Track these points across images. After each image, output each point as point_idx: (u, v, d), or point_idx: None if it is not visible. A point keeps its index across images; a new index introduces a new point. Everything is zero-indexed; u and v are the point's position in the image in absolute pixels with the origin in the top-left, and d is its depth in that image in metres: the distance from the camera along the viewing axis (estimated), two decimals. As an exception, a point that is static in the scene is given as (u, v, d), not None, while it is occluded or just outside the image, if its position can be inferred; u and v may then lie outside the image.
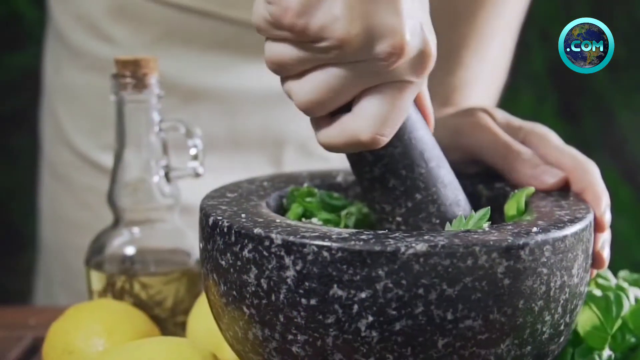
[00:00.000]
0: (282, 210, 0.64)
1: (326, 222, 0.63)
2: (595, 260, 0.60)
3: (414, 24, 0.53)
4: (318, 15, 0.51)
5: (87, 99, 0.99)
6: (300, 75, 0.54)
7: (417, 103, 0.61)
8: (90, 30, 0.98)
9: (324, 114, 0.55)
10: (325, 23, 0.51)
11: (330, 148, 0.56)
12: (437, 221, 0.61)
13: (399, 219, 0.61)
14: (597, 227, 0.60)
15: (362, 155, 0.59)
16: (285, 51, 0.53)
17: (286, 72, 0.54)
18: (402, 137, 0.58)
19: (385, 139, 0.55)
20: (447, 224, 0.58)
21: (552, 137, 0.66)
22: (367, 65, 0.53)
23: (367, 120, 0.54)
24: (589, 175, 0.62)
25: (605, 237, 0.61)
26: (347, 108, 0.55)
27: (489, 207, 0.57)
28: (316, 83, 0.53)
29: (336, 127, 0.55)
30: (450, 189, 0.61)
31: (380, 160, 0.59)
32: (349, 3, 0.51)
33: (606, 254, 0.61)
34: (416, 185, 0.60)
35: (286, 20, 0.51)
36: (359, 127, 0.54)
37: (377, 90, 0.54)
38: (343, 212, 0.64)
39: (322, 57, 0.52)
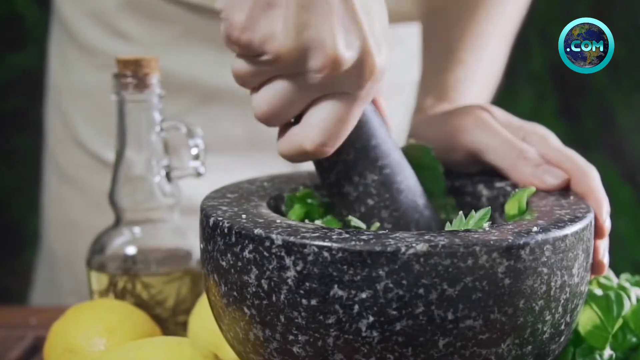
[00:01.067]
0: (282, 208, 0.64)
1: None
2: (596, 268, 0.61)
3: (350, 37, 0.55)
4: (259, 30, 0.54)
5: (100, 98, 0.97)
6: (257, 88, 0.57)
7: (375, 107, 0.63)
8: (105, 28, 0.97)
9: (280, 124, 0.58)
10: (264, 37, 0.54)
11: (284, 157, 0.59)
12: (389, 226, 0.63)
13: None
14: (598, 233, 0.60)
15: (318, 162, 0.62)
16: (241, 65, 0.57)
17: (246, 85, 0.58)
18: (354, 145, 0.60)
19: (329, 149, 0.57)
20: (447, 223, 0.58)
21: (552, 139, 0.66)
22: (307, 78, 0.55)
23: (311, 131, 0.57)
24: (590, 180, 0.62)
25: (605, 243, 0.61)
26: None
27: (489, 207, 0.57)
28: (267, 95, 0.57)
29: (286, 136, 0.58)
30: (407, 194, 0.63)
31: (334, 167, 0.61)
32: (286, 18, 0.54)
33: (606, 260, 0.61)
34: (368, 191, 0.62)
35: (233, 36, 0.55)
36: (304, 137, 0.57)
37: (322, 102, 0.57)
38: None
39: (267, 69, 0.56)
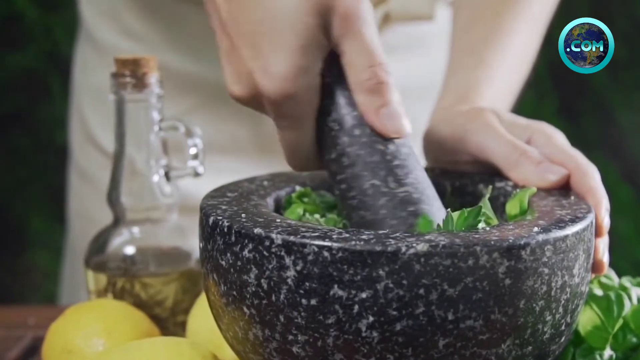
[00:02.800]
0: (280, 210, 0.64)
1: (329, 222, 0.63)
2: (596, 266, 0.60)
3: (237, 75, 0.60)
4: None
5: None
6: None
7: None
8: (116, 27, 0.98)
9: None
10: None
11: None
12: None
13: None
14: (597, 231, 0.60)
15: None
16: None
17: None
18: (323, 158, 0.62)
19: (297, 169, 0.63)
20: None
21: (559, 138, 0.66)
22: None
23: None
24: (590, 179, 0.62)
25: (605, 241, 0.61)
26: None
27: (480, 205, 0.57)
28: None
29: None
30: (360, 210, 0.61)
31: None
32: None
33: (606, 259, 0.61)
34: (353, 205, 0.62)
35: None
36: None
37: None
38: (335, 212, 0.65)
39: None
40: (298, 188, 0.65)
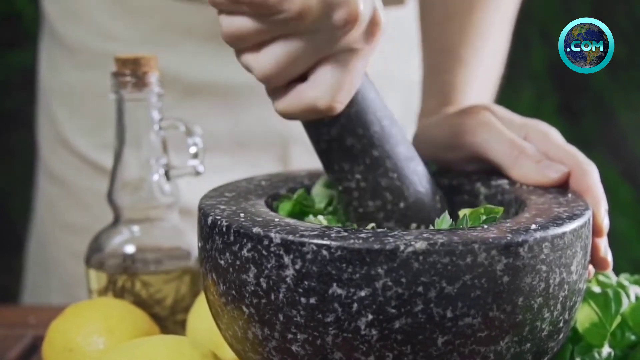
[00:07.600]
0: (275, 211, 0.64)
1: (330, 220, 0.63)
2: (600, 265, 0.60)
3: None
4: None
5: (84, 97, 0.97)
6: (258, 46, 0.55)
7: None
8: (86, 26, 0.96)
9: (282, 83, 0.57)
10: None
11: (288, 116, 0.58)
12: (395, 175, 0.62)
13: (358, 176, 0.62)
14: (596, 232, 0.60)
15: (319, 120, 0.60)
16: (243, 24, 0.54)
17: (244, 44, 0.56)
18: (356, 98, 0.60)
19: (341, 106, 0.57)
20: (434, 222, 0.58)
21: (554, 135, 0.66)
22: (322, 35, 0.54)
23: (323, 88, 0.56)
24: (589, 177, 0.62)
25: (605, 240, 0.61)
26: (301, 77, 0.57)
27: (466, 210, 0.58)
28: (274, 54, 0.55)
29: (293, 95, 0.57)
30: (404, 145, 0.63)
31: (337, 121, 0.60)
32: None
33: (609, 256, 0.61)
34: (372, 142, 0.61)
35: None
36: (317, 96, 0.56)
37: (331, 59, 0.56)
38: (330, 209, 0.65)
39: (280, 28, 0.54)
40: (285, 193, 0.65)
